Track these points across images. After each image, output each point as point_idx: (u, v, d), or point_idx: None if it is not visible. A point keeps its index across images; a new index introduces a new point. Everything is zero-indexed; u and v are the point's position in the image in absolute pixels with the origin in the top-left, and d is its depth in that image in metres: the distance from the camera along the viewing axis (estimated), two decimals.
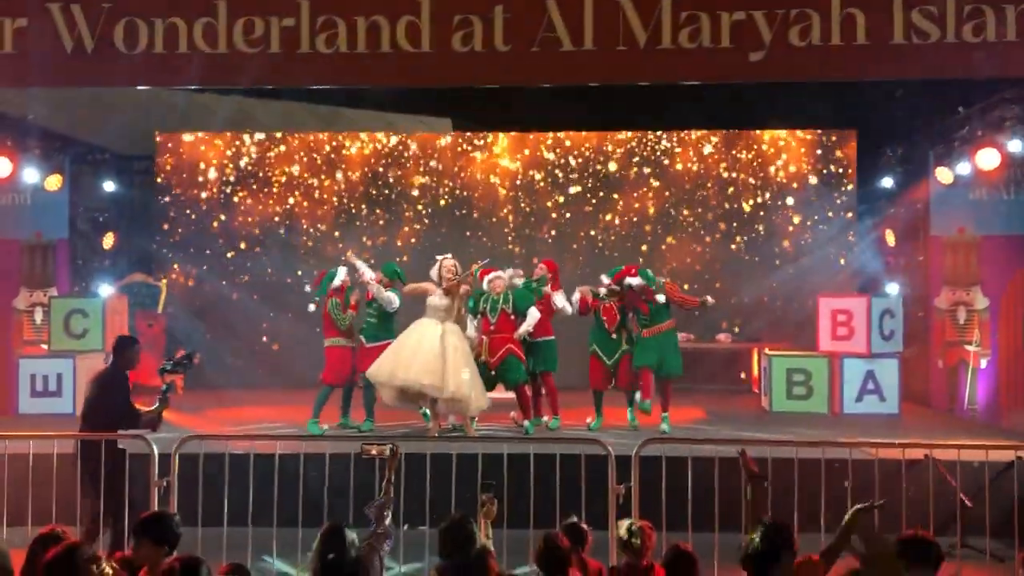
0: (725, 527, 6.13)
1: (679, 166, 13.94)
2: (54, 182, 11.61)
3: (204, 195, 13.96)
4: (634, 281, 9.42)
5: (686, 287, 12.37)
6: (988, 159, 10.26)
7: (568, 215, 13.97)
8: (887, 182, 12.95)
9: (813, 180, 13.76)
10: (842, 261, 13.53)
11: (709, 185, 13.88)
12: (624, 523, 4.98)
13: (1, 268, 11.41)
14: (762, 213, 13.83)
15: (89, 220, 12.96)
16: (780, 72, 7.67)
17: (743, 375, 12.33)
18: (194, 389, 12.87)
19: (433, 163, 14.07)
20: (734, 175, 13.87)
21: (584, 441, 6.94)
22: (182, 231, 13.93)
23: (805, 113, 12.60)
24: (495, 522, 5.06)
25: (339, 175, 14.04)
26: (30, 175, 11.18)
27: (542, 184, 14.00)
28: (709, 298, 9.60)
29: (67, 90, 9.96)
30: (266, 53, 7.41)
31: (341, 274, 9.53)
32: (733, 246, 13.81)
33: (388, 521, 4.75)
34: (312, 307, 9.73)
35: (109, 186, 13.21)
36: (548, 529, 4.73)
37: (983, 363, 11.04)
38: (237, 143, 14.03)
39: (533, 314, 9.21)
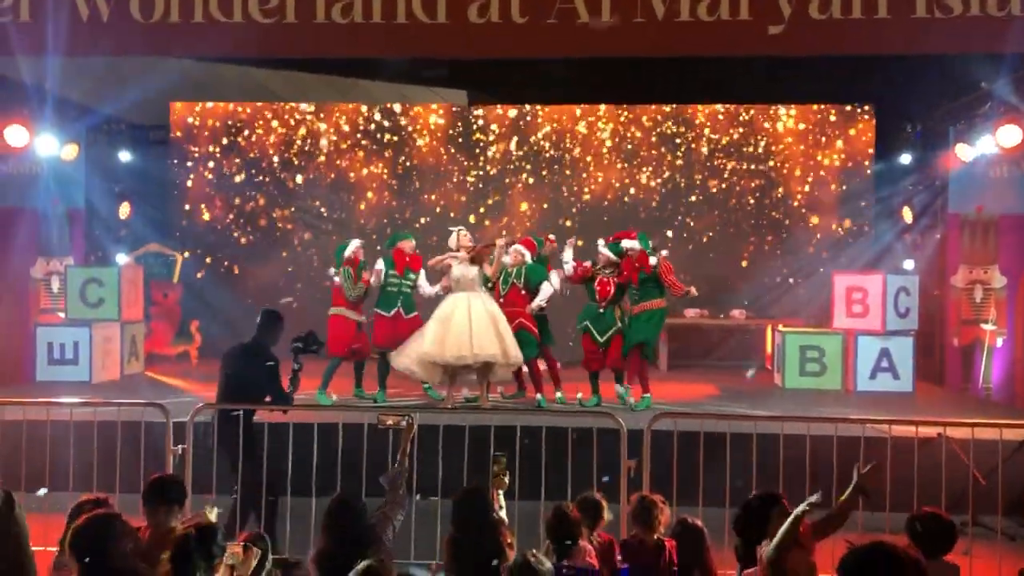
0: (736, 502, 6.14)
1: (694, 144, 13.84)
2: (70, 152, 11.63)
3: (218, 165, 13.97)
4: (631, 244, 9.24)
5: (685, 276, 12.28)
6: (1009, 136, 10.13)
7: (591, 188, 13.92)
8: (906, 159, 12.83)
9: (831, 156, 13.64)
10: (859, 238, 13.44)
11: (725, 160, 13.78)
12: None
13: (18, 237, 11.46)
14: (779, 189, 13.73)
15: (105, 190, 13.00)
16: (799, 46, 7.60)
17: (749, 373, 12.10)
18: (209, 357, 12.98)
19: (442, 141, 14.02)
20: (750, 149, 13.76)
21: (596, 415, 6.96)
22: (197, 201, 13.96)
23: (824, 88, 12.50)
24: (507, 493, 5.09)
25: (353, 144, 14.01)
26: (46, 145, 11.20)
27: (549, 156, 13.93)
28: (693, 289, 9.41)
29: (83, 59, 9.98)
30: (281, 23, 7.39)
31: (354, 245, 9.53)
32: (750, 222, 13.73)
33: (402, 491, 4.79)
34: (335, 277, 9.56)
35: (125, 156, 13.25)
36: (560, 501, 4.75)
37: (999, 342, 10.97)
38: (250, 112, 14.01)
39: (546, 288, 9.20)
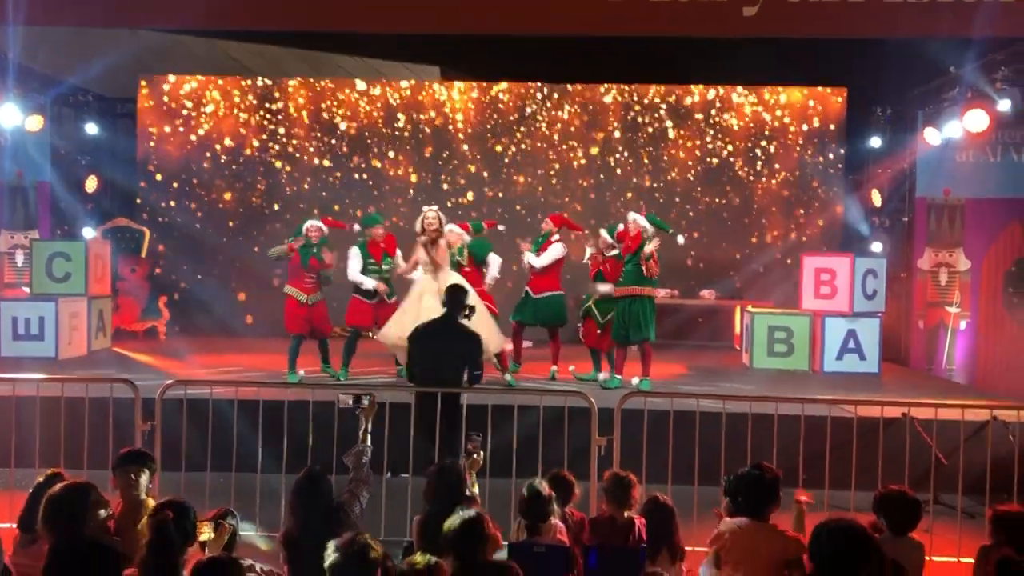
0: (705, 480, 6.23)
1: (668, 123, 13.86)
2: (35, 123, 11.42)
3: (188, 139, 13.79)
4: (635, 217, 9.22)
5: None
6: (976, 121, 10.25)
7: (554, 181, 13.91)
8: (875, 142, 12.96)
9: (801, 139, 13.73)
10: (825, 221, 13.57)
11: (695, 140, 13.82)
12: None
13: None
14: (748, 170, 13.81)
15: (71, 162, 12.79)
16: (773, 27, 7.61)
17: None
18: (178, 333, 12.88)
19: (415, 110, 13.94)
20: (721, 131, 13.81)
21: (568, 393, 6.99)
22: (166, 175, 13.79)
23: (796, 70, 12.55)
24: (479, 472, 5.11)
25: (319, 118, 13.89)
26: (10, 115, 10.98)
27: (527, 146, 13.91)
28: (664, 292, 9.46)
29: (48, 29, 9.78)
30: None
31: (306, 225, 9.46)
32: (719, 201, 13.80)
33: (367, 469, 4.79)
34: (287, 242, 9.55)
35: (92, 128, 13.03)
36: (531, 478, 4.77)
37: (962, 324, 11.16)
38: (219, 85, 13.83)
39: (494, 260, 9.36)
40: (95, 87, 13.02)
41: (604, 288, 9.33)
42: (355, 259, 9.37)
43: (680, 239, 9.61)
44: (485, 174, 13.85)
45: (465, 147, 13.87)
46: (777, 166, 13.77)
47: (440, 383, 6.60)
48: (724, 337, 13.33)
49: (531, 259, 9.54)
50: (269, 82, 13.84)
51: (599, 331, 9.40)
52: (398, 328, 8.56)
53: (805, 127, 13.76)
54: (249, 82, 13.82)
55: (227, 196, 13.83)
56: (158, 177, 13.76)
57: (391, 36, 11.56)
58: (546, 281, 9.54)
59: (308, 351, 9.56)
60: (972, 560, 4.72)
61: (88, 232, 12.86)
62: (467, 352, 6.84)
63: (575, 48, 11.61)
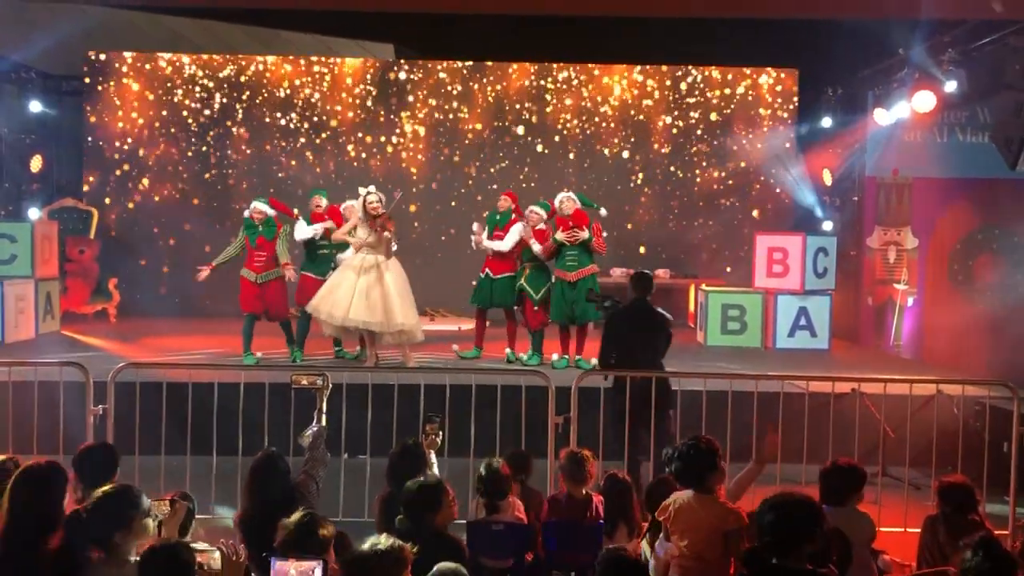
0: (660, 456, 6.30)
1: (616, 101, 13.89)
2: None
3: (135, 117, 13.52)
4: (566, 195, 9.16)
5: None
6: (923, 101, 10.43)
7: (505, 164, 13.89)
8: (826, 122, 13.12)
9: (753, 119, 13.86)
10: (777, 200, 13.74)
11: (643, 118, 13.89)
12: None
13: None
14: (700, 149, 13.91)
15: (15, 141, 12.47)
16: (723, 8, 7.67)
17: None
18: (128, 316, 12.68)
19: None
20: (674, 111, 13.89)
21: (525, 372, 7.03)
22: (113, 154, 13.51)
23: (748, 51, 12.66)
24: (438, 452, 5.13)
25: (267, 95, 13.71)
26: None
27: (477, 129, 13.87)
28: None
29: None
30: None
31: (268, 211, 9.35)
32: (669, 182, 13.90)
33: (322, 449, 4.78)
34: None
35: (36, 106, 12.70)
36: (489, 458, 4.80)
37: (910, 301, 11.40)
38: (167, 62, 13.57)
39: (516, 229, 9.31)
40: (39, 64, 12.68)
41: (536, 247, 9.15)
42: (300, 225, 9.34)
43: (603, 211, 9.62)
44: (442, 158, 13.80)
45: (421, 127, 13.79)
46: (730, 146, 13.88)
47: (642, 368, 6.59)
48: (679, 315, 13.45)
49: (493, 244, 9.35)
50: (218, 59, 13.60)
51: (535, 309, 9.27)
52: (328, 304, 8.57)
53: (757, 107, 13.88)
54: (198, 58, 13.57)
55: (177, 174, 13.59)
56: (106, 156, 13.48)
57: (343, 12, 11.43)
58: (506, 263, 9.47)
59: (268, 333, 9.44)
60: (919, 530, 4.87)
61: (34, 213, 12.57)
62: (668, 336, 6.91)
63: (527, 26, 11.60)
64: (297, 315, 9.35)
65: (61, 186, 13.21)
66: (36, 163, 12.82)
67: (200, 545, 3.98)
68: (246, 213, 9.35)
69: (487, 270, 9.54)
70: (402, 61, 13.79)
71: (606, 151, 13.89)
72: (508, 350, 9.54)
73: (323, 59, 13.69)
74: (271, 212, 9.29)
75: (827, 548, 3.69)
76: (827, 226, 12.88)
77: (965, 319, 10.71)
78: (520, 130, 13.86)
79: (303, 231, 9.36)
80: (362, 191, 8.88)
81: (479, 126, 13.82)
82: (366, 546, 3.30)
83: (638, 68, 13.86)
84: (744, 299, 11.30)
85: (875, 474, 6.61)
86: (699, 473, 4.16)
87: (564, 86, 13.88)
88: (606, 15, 8.50)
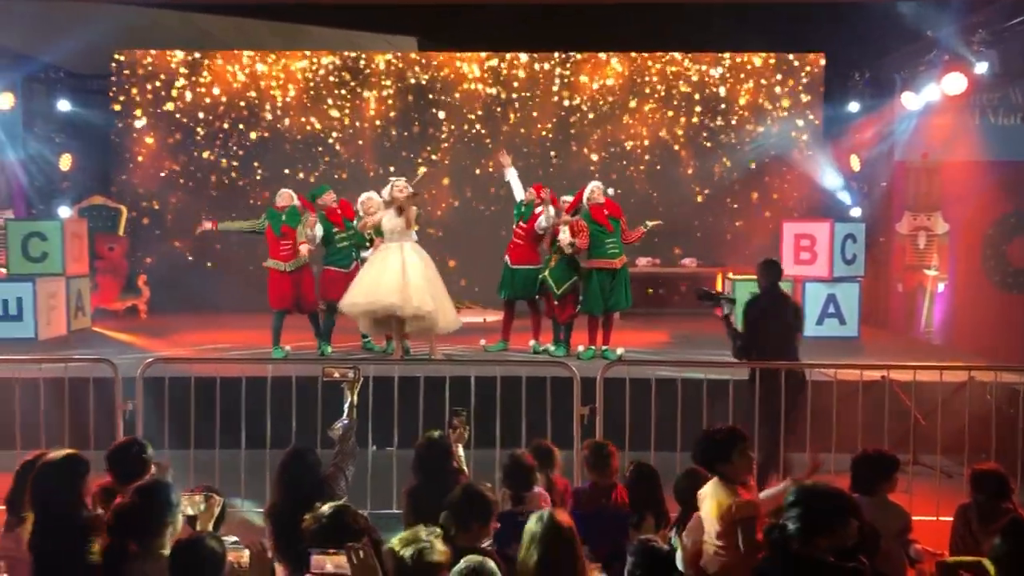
0: (687, 447, 6.26)
1: (647, 89, 13.81)
2: (6, 100, 11.24)
3: (163, 114, 13.63)
4: (596, 184, 9.12)
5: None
6: (954, 84, 10.26)
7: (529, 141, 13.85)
8: (854, 107, 12.96)
9: (779, 105, 13.72)
10: (804, 186, 13.59)
11: (674, 109, 13.79)
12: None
13: None
14: (726, 134, 13.79)
15: (45, 141, 12.62)
16: None
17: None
18: (158, 312, 12.81)
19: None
20: (700, 98, 13.78)
21: (550, 364, 7.02)
22: (141, 152, 13.63)
23: (774, 36, 12.53)
24: (464, 445, 5.13)
25: (290, 90, 13.76)
26: None
27: (503, 106, 13.83)
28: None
29: (19, 6, 9.62)
30: None
31: (294, 198, 9.40)
32: (694, 168, 13.79)
33: (352, 442, 4.79)
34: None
35: (64, 105, 12.84)
36: (514, 449, 4.80)
37: (940, 287, 11.24)
38: (193, 60, 13.66)
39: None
40: (67, 64, 12.82)
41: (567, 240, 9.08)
42: (319, 228, 9.36)
43: (610, 190, 9.59)
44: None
45: (442, 115, 13.78)
46: (756, 132, 13.75)
47: (781, 358, 6.57)
48: (706, 305, 13.35)
49: (514, 180, 9.40)
50: (247, 55, 13.67)
51: (556, 303, 9.25)
52: (355, 295, 8.59)
53: (784, 93, 13.74)
54: (224, 56, 13.65)
55: (204, 171, 13.68)
56: (134, 153, 13.61)
57: (368, 7, 11.45)
58: (527, 253, 9.46)
59: (295, 328, 9.50)
60: (951, 518, 4.80)
61: (64, 211, 12.72)
62: (800, 324, 6.92)
63: (552, 16, 11.56)
64: (323, 308, 9.39)
65: (90, 184, 13.34)
66: (66, 162, 12.96)
67: (230, 538, 4.02)
68: (279, 203, 9.34)
69: (507, 258, 9.51)
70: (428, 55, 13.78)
71: (629, 143, 13.80)
72: (533, 342, 9.53)
73: (352, 55, 13.72)
74: (296, 200, 9.33)
75: (862, 542, 3.65)
76: (855, 212, 12.73)
77: (998, 305, 10.53)
78: (546, 122, 13.81)
79: (313, 235, 9.33)
80: (392, 179, 8.94)
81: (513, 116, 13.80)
82: (397, 543, 3.26)
83: (660, 54, 13.76)
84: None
85: (906, 462, 6.54)
86: (711, 460, 4.16)
87: (585, 76, 13.81)
88: (635, 4, 8.43)
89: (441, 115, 13.74)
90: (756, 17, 11.30)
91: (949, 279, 11.18)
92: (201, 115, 13.66)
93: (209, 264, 13.52)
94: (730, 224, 13.70)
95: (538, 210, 9.29)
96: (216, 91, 13.66)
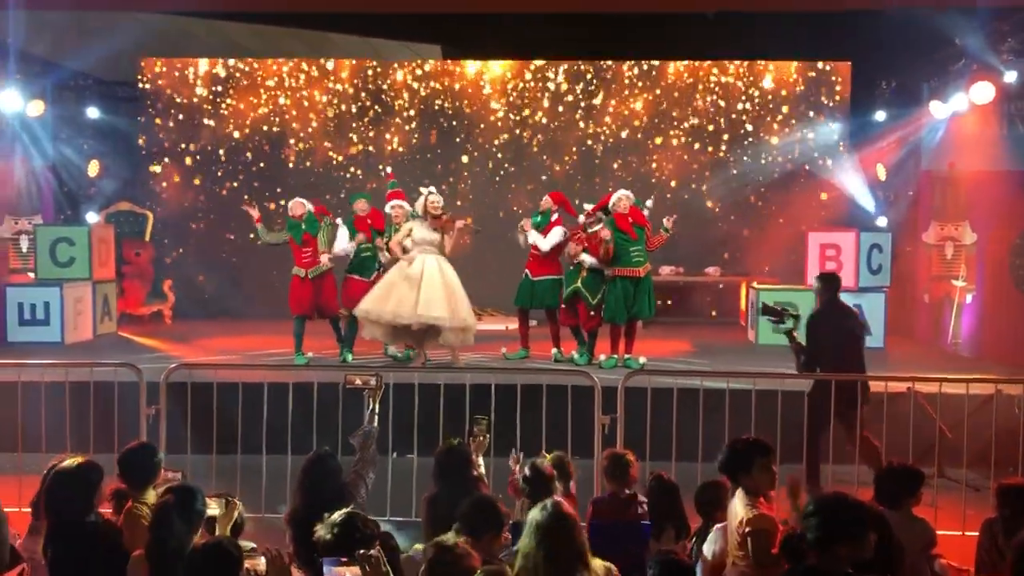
0: (708, 457, 6.22)
1: (669, 101, 13.76)
2: (36, 108, 11.40)
3: (189, 121, 13.75)
4: (623, 193, 9.11)
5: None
6: (982, 93, 10.15)
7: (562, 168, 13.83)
8: (880, 115, 12.85)
9: (805, 113, 13.64)
10: (830, 195, 13.48)
11: (700, 117, 13.74)
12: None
13: None
14: (750, 142, 13.71)
15: (73, 147, 12.77)
16: (775, 2, 7.55)
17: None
18: (183, 317, 12.91)
19: (420, 73, 13.83)
20: (725, 106, 13.72)
21: (571, 372, 7.00)
22: (168, 159, 13.76)
23: (801, 44, 12.46)
24: (484, 453, 5.13)
25: (321, 96, 13.82)
26: (11, 101, 10.96)
27: (531, 89, 13.80)
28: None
29: (48, 14, 9.75)
30: None
31: (306, 204, 9.46)
32: (719, 177, 13.73)
33: (373, 450, 4.80)
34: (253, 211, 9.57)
35: (93, 112, 13.00)
36: (532, 458, 4.78)
37: (968, 298, 11.10)
38: (219, 66, 13.77)
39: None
40: (96, 71, 12.97)
41: (590, 260, 9.16)
42: (341, 234, 9.44)
43: (649, 203, 9.59)
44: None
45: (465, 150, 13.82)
46: (781, 141, 13.67)
47: (847, 369, 6.62)
48: (729, 314, 13.30)
49: (538, 241, 9.34)
50: (270, 63, 13.78)
51: (591, 312, 9.23)
52: (391, 304, 8.56)
53: (809, 101, 13.66)
54: (258, 62, 13.77)
55: (229, 178, 13.79)
56: (161, 160, 13.74)
57: (391, 15, 11.49)
58: (547, 264, 9.45)
59: (318, 334, 9.54)
60: (977, 534, 4.73)
61: (91, 217, 12.87)
62: (864, 334, 6.98)
63: (577, 24, 11.55)
64: (346, 315, 9.42)
65: (117, 190, 13.48)
66: (93, 168, 13.11)
67: (247, 544, 4.04)
68: (299, 211, 9.41)
69: (527, 271, 9.52)
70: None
71: (654, 160, 13.76)
72: (555, 350, 9.52)
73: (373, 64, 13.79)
74: (309, 206, 9.38)
75: (888, 558, 3.60)
76: (881, 222, 12.62)
77: None
78: (571, 129, 13.82)
79: (342, 243, 9.41)
80: (423, 191, 8.96)
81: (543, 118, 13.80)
82: (431, 549, 3.27)
83: (686, 63, 13.72)
84: (796, 297, 11.09)
85: (931, 475, 6.46)
86: (733, 470, 4.13)
87: (614, 84, 13.80)
88: (659, 12, 8.42)
89: (464, 147, 13.75)
90: (783, 25, 11.23)
91: (977, 290, 11.05)
92: (227, 122, 13.75)
93: (233, 271, 13.60)
94: (754, 233, 13.61)
95: (554, 217, 9.36)
96: (241, 97, 13.76)
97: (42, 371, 6.98)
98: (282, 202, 13.62)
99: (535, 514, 3.45)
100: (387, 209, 9.40)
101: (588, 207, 9.39)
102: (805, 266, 11.44)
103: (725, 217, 13.70)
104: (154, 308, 13.01)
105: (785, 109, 13.68)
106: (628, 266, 8.97)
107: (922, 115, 11.69)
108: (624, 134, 13.77)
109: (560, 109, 13.79)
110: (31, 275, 11.42)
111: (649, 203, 9.63)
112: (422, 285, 8.53)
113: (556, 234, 9.29)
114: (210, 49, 13.53)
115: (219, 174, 13.78)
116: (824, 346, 6.74)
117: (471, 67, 13.86)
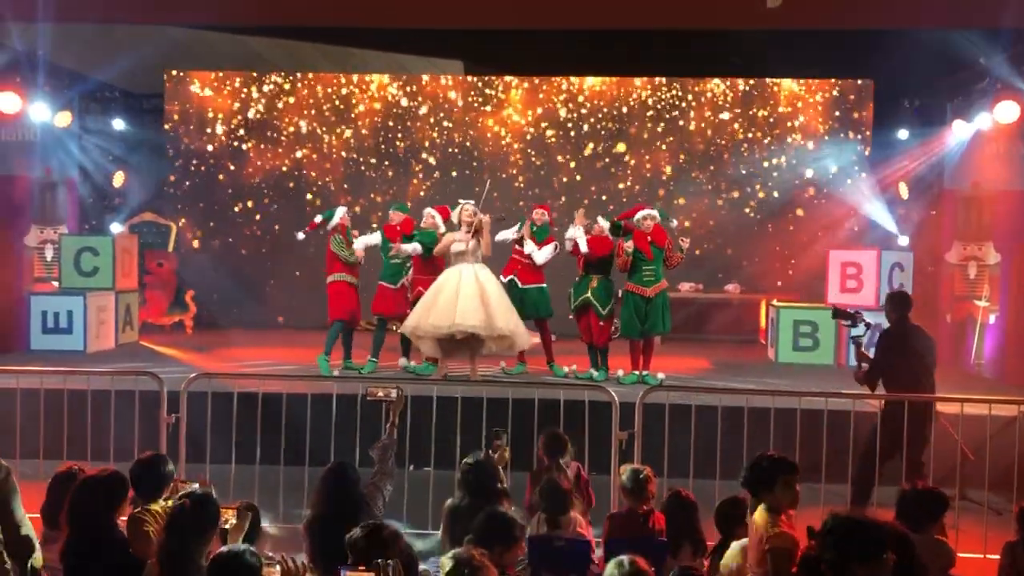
0: (726, 475, 6.19)
1: (692, 125, 13.76)
2: (63, 119, 11.56)
3: (213, 138, 13.88)
4: (647, 212, 9.05)
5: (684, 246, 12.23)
6: (1006, 112, 10.09)
7: (578, 177, 13.84)
8: (903, 134, 12.79)
9: (829, 131, 13.60)
10: (852, 214, 13.42)
11: (721, 134, 13.73)
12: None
13: (12, 205, 11.42)
14: (776, 163, 13.69)
15: (99, 158, 12.93)
16: (798, 20, 7.55)
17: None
18: (204, 327, 13.00)
19: (444, 121, 13.89)
20: (748, 124, 13.71)
21: (589, 387, 6.99)
22: (191, 171, 13.89)
23: (823, 63, 12.44)
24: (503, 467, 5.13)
25: (348, 132, 13.92)
26: (39, 112, 11.13)
27: (553, 141, 13.85)
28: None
29: (76, 26, 9.88)
30: None
31: (340, 212, 9.52)
32: (741, 194, 13.70)
33: (391, 462, 4.81)
34: (300, 235, 9.82)
35: (119, 124, 13.15)
36: (551, 473, 4.78)
37: (991, 319, 11.00)
38: (246, 91, 13.90)
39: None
40: (122, 83, 13.14)
41: (582, 241, 9.19)
42: (371, 236, 9.61)
43: (674, 222, 9.63)
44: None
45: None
46: (804, 159, 13.64)
47: (921, 389, 6.64)
48: (749, 331, 13.24)
49: (534, 253, 9.33)
50: (295, 76, 13.90)
51: (601, 324, 9.22)
52: (431, 317, 8.61)
53: (832, 119, 13.63)
54: (271, 87, 13.89)
55: (254, 190, 13.90)
56: (185, 171, 13.87)
57: (414, 31, 11.57)
58: (535, 272, 9.44)
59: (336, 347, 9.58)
60: (998, 557, 4.68)
61: (115, 227, 13.00)
62: (936, 356, 6.93)
63: (602, 40, 11.58)
64: (369, 327, 9.46)
65: (141, 201, 13.62)
66: (118, 178, 13.26)
67: (264, 554, 4.05)
68: (335, 220, 9.42)
69: (514, 278, 9.43)
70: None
71: (669, 168, 13.77)
72: (562, 367, 9.47)
73: (399, 86, 13.87)
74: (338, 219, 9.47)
75: None
76: (903, 241, 12.54)
77: None
78: (590, 145, 13.84)
79: (362, 241, 9.55)
80: (461, 202, 9.04)
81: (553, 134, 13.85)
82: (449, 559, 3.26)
83: (709, 79, 13.73)
84: (816, 315, 11.06)
85: (953, 497, 6.39)
86: (755, 486, 4.11)
87: (634, 101, 13.82)
88: (679, 29, 8.40)
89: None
90: (805, 44, 11.22)
91: (1000, 310, 10.95)
92: (251, 135, 13.86)
93: (261, 281, 13.68)
94: (775, 251, 13.56)
95: (555, 230, 9.49)
96: (266, 109, 13.88)
97: (64, 378, 7.04)
98: (306, 197, 13.72)
99: (612, 570, 3.44)
100: (425, 213, 9.56)
101: (602, 223, 9.40)
102: (826, 284, 11.38)
103: (745, 234, 13.65)
104: (176, 318, 13.11)
105: (807, 127, 13.64)
106: (639, 284, 8.99)
107: (945, 134, 11.63)
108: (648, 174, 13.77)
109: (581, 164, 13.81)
110: (55, 284, 11.55)
111: (674, 221, 9.64)
112: (459, 295, 8.61)
113: (549, 249, 9.37)
114: (236, 62, 13.66)
115: (240, 186, 13.88)
116: (888, 364, 6.74)
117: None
